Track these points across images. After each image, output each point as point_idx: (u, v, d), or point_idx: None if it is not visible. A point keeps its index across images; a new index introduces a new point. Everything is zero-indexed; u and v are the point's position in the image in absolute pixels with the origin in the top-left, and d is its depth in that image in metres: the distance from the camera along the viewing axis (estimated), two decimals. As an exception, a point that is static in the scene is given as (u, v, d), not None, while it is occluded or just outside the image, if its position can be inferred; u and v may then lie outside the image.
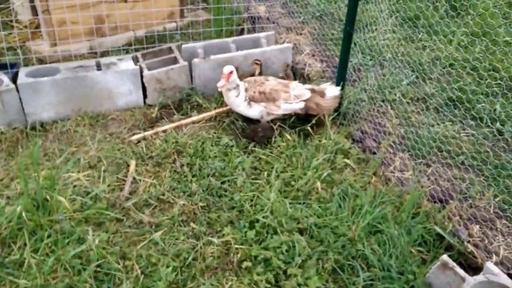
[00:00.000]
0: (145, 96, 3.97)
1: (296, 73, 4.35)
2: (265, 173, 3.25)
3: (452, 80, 4.14)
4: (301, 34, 4.82)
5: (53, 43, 4.54)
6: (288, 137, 3.55)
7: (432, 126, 3.71)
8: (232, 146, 3.50)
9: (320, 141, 3.54)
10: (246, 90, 3.61)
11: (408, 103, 4.09)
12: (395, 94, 4.12)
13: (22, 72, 3.72)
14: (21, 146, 3.47)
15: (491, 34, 4.22)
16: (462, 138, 3.59)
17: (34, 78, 3.60)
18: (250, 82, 3.67)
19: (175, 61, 4.03)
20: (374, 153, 3.50)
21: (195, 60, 3.95)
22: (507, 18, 4.49)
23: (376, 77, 4.19)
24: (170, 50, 4.18)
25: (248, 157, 3.39)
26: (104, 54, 4.56)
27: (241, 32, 4.96)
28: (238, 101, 3.59)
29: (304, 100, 3.57)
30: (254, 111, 3.58)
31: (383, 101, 4.01)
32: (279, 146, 3.49)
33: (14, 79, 3.64)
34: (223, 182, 3.16)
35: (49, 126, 3.67)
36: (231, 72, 3.52)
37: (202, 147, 3.42)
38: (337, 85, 3.77)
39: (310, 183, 3.14)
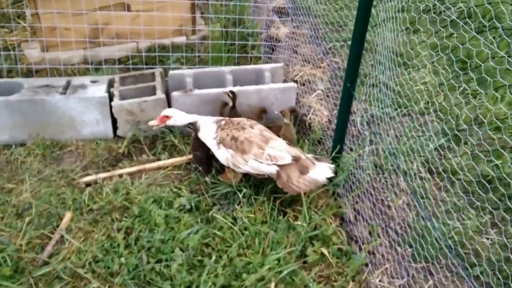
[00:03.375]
0: (115, 127, 3.45)
1: (297, 119, 3.64)
2: (215, 255, 2.63)
3: (492, 151, 3.27)
4: (319, 67, 4.08)
5: (44, 49, 4.15)
6: (259, 207, 2.90)
7: (453, 210, 2.90)
8: (189, 209, 2.90)
9: (296, 219, 2.86)
10: (222, 128, 3.02)
11: (430, 173, 3.28)
12: (413, 162, 3.32)
13: (-18, 86, 3.34)
14: (-40, 172, 3.09)
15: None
16: (487, 239, 2.76)
17: (-15, 97, 3.20)
18: (233, 122, 3.04)
19: (154, 90, 3.47)
20: (362, 245, 2.77)
21: (175, 94, 3.37)
22: None
23: (394, 136, 3.40)
24: (153, 76, 3.63)
25: (202, 228, 2.77)
26: (98, 65, 4.14)
27: (250, 60, 4.30)
28: (203, 135, 3.09)
29: (278, 165, 2.87)
30: (221, 155, 2.99)
31: (395, 169, 3.23)
32: (246, 217, 2.85)
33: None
34: (158, 261, 2.58)
35: (0, 150, 3.27)
36: (167, 117, 3.08)
37: (150, 208, 2.84)
38: (333, 148, 3.03)
39: (265, 280, 2.49)
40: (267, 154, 2.87)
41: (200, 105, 3.40)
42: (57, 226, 2.76)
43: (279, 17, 4.55)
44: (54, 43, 4.06)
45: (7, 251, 2.54)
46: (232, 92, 3.33)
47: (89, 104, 3.31)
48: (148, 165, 3.21)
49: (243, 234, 2.76)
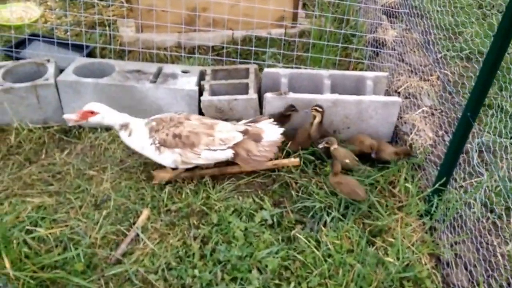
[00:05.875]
0: (202, 122, 3.29)
1: (398, 137, 3.28)
2: (294, 281, 2.40)
3: None
4: (427, 80, 3.66)
5: (138, 30, 4.08)
6: (346, 233, 2.62)
7: None
8: (270, 225, 2.68)
9: (386, 252, 2.55)
10: (155, 130, 2.76)
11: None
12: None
13: (74, 64, 3.30)
14: (45, 151, 3.07)
15: None
16: None
17: (77, 77, 3.14)
18: (164, 121, 2.80)
19: (247, 89, 3.26)
20: (462, 297, 2.41)
21: (268, 95, 3.13)
22: None
23: (509, 169, 2.95)
24: (247, 72, 3.41)
25: (282, 249, 2.53)
26: (191, 51, 4.01)
27: (350, 65, 3.94)
28: (135, 142, 2.80)
29: (232, 147, 2.79)
30: (166, 159, 2.77)
31: (508, 208, 2.79)
32: (331, 243, 2.58)
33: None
34: (233, 279, 2.39)
35: (85, 133, 3.22)
36: (92, 113, 2.71)
37: (230, 219, 2.65)
38: (438, 178, 2.65)
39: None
40: (219, 139, 2.76)
41: (292, 109, 3.15)
42: (134, 223, 2.65)
43: (389, 19, 4.14)
44: (149, 25, 3.96)
45: (81, 245, 2.47)
46: (319, 106, 3.05)
47: (178, 96, 3.17)
48: (230, 169, 3.01)
49: (326, 261, 2.50)
